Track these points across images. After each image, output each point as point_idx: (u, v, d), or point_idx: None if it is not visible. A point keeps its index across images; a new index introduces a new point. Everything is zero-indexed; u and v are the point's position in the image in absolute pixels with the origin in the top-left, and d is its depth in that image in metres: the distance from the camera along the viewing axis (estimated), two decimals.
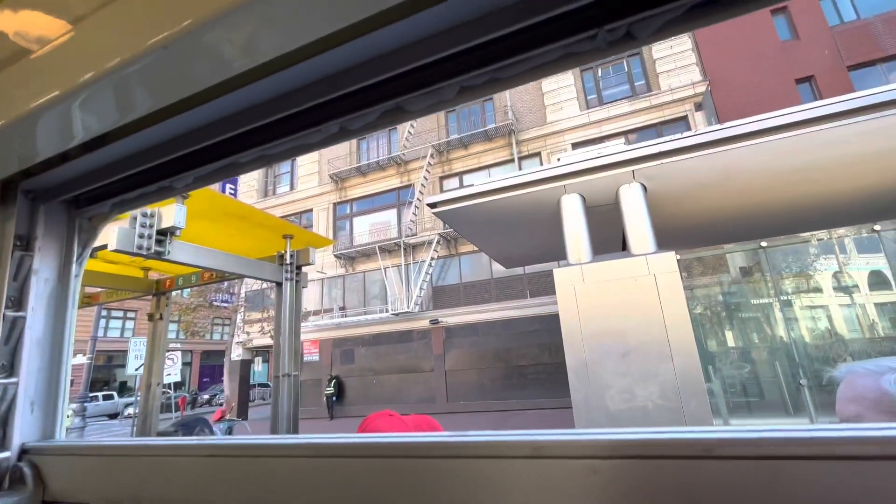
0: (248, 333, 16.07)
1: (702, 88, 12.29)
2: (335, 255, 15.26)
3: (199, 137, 0.40)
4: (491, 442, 0.27)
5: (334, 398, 14.25)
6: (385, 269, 14.69)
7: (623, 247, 5.77)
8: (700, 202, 5.64)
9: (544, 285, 12.35)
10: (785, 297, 5.12)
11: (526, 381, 12.73)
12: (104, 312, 22.38)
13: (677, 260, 4.36)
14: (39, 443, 0.41)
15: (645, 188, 4.93)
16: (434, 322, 13.83)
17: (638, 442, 0.25)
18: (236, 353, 16.16)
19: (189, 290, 14.61)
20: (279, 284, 3.52)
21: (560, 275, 4.73)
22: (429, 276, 13.96)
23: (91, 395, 19.31)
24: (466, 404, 13.21)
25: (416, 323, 14.05)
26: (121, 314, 24.05)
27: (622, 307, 4.38)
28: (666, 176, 4.84)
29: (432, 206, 6.06)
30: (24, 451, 0.39)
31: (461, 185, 14.37)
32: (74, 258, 0.48)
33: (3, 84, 0.37)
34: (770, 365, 5.02)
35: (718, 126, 4.55)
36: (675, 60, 12.89)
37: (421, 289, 13.69)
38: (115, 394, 20.74)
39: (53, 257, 0.46)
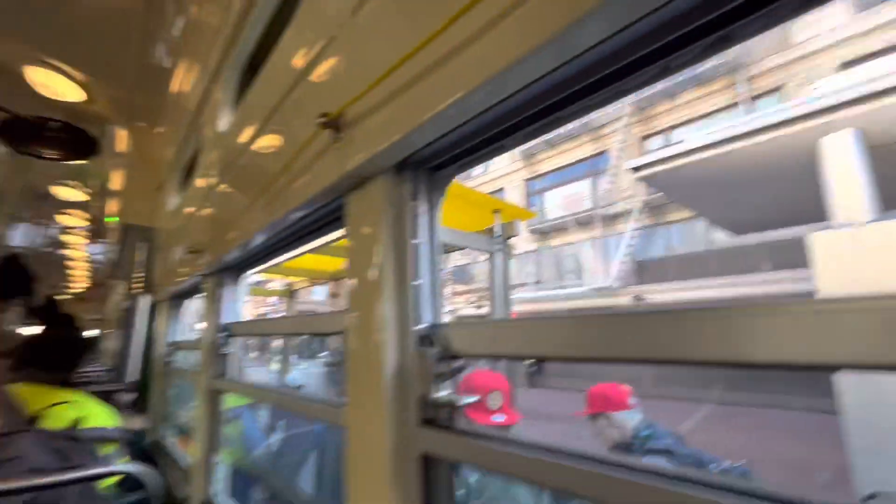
0: (454, 304, 18.14)
1: None
2: (528, 231, 15.60)
3: (538, 101, 0.53)
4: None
5: (533, 369, 14.82)
6: (580, 242, 14.23)
7: None
8: None
9: (788, 257, 9.78)
10: None
11: (760, 374, 10.49)
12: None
13: None
14: (438, 322, 0.63)
15: None
16: (638, 299, 12.72)
17: None
18: None
19: None
20: (491, 255, 3.88)
21: (822, 241, 3.67)
22: (630, 249, 12.86)
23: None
24: (678, 391, 11.81)
25: (616, 299, 13.21)
26: None
27: None
28: None
29: (635, 169, 5.54)
30: (432, 326, 0.62)
31: (668, 143, 12.57)
32: (437, 220, 0.69)
33: (427, 88, 0.56)
34: None
35: None
36: None
37: (622, 262, 12.75)
38: None
39: (426, 212, 0.68)
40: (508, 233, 3.98)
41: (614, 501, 0.39)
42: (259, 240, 1.12)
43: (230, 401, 1.67)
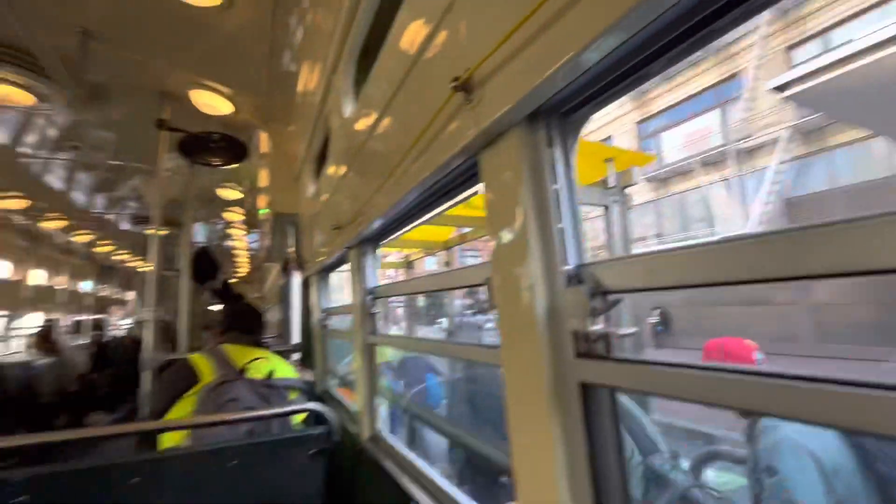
0: None
1: None
2: (644, 179, 14.19)
3: (685, 19, 0.50)
4: None
5: (659, 328, 13.80)
6: (709, 185, 12.51)
7: None
8: None
9: None
10: None
11: None
12: (461, 254, 29.74)
13: None
14: (586, 261, 0.65)
15: None
16: None
17: None
18: None
19: None
20: (606, 208, 3.67)
21: None
22: (777, 186, 10.91)
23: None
24: (851, 350, 9.92)
25: None
26: (471, 254, 31.08)
27: None
28: None
29: (781, 88, 4.62)
30: (578, 266, 0.64)
31: (827, 48, 10.10)
32: (573, 164, 0.71)
33: (556, 36, 0.56)
34: None
35: None
36: None
37: (766, 203, 10.92)
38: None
39: (561, 156, 0.70)
40: (625, 182, 3.70)
41: (789, 413, 0.39)
42: (395, 210, 1.25)
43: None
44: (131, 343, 4.82)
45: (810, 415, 0.37)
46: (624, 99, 15.52)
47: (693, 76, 13.31)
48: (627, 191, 3.94)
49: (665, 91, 14.19)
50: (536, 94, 0.61)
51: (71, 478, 1.33)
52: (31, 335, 5.55)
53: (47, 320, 6.52)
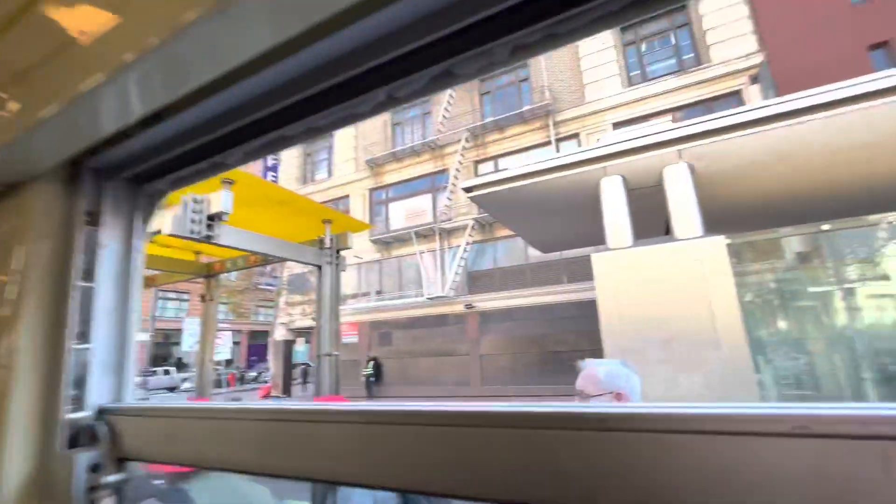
0: (290, 315, 16.78)
1: (758, 59, 11.37)
2: (371, 241, 15.55)
3: (248, 111, 0.40)
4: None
5: (372, 378, 14.68)
6: (420, 253, 14.83)
7: (666, 231, 5.51)
8: (754, 182, 5.27)
9: (583, 271, 12.06)
10: (848, 286, 4.73)
11: (563, 367, 12.56)
12: (161, 294, 24.08)
13: (727, 245, 4.12)
14: (113, 404, 0.44)
15: (692, 169, 4.65)
16: (469, 307, 13.87)
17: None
18: (280, 334, 16.97)
19: (237, 273, 15.31)
20: (319, 268, 3.62)
21: (599, 260, 4.60)
22: (464, 261, 13.97)
23: (152, 369, 20.96)
24: (501, 388, 13.26)
25: (451, 307, 14.15)
26: (175, 296, 25.67)
27: (665, 293, 4.20)
28: (716, 155, 4.55)
29: (468, 190, 6.02)
30: (100, 412, 0.42)
31: (496, 169, 14.18)
32: (138, 233, 0.50)
33: (57, 68, 0.39)
34: (828, 357, 4.69)
35: (775, 100, 4.20)
36: (728, 29, 11.96)
37: (456, 273, 13.74)
38: (172, 369, 22.30)
39: (118, 231, 0.48)
40: (340, 245, 3.80)
41: None
42: None
43: None
44: None
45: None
46: (362, 165, 16.99)
47: (416, 162, 16.03)
48: (347, 252, 4.10)
49: (395, 168, 16.44)
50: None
51: None
52: None
53: None
